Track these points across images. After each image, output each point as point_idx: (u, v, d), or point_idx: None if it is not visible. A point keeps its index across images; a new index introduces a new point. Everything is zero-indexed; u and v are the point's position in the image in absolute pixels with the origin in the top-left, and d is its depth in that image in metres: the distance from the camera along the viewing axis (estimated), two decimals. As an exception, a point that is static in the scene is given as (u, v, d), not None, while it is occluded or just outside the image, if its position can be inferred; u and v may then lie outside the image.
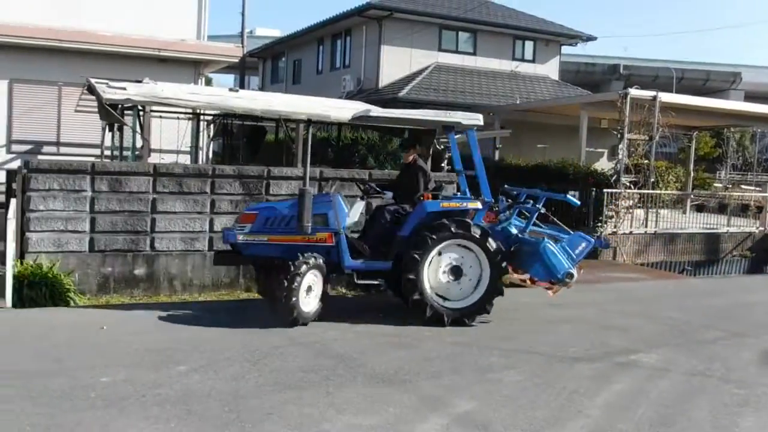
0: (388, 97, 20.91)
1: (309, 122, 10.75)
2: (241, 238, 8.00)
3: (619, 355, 7.29)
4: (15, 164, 15.85)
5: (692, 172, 22.29)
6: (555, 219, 10.40)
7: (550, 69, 26.52)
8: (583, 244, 8.62)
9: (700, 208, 19.13)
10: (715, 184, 25.11)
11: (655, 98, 15.43)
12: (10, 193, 10.36)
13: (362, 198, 8.97)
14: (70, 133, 16.69)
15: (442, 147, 15.22)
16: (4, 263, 9.59)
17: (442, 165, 15.03)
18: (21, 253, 9.66)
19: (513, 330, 8.23)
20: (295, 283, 7.41)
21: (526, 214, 9.23)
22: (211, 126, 16.87)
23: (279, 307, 7.55)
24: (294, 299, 7.44)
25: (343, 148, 14.97)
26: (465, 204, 8.47)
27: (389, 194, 8.88)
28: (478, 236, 8.12)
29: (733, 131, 26.51)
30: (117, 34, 15.98)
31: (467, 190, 8.75)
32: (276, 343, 7.00)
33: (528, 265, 8.52)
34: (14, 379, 5.65)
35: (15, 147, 16.41)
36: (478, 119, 9.05)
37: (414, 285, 7.93)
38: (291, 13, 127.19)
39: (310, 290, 7.73)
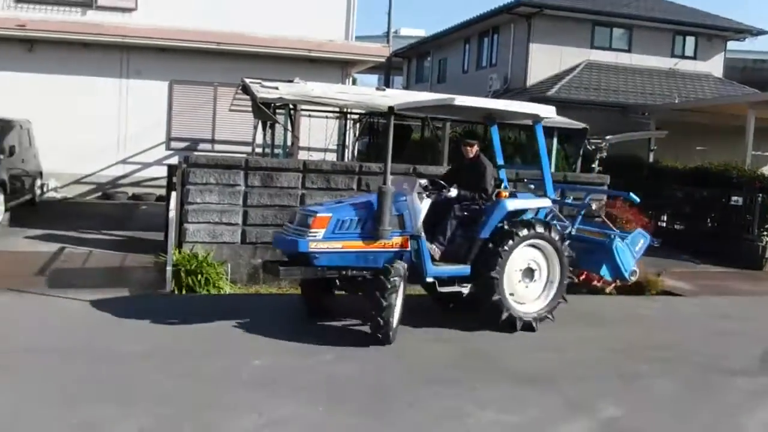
0: (536, 96, 20.34)
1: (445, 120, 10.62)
2: (313, 246, 6.79)
3: None
4: (173, 160, 16.92)
5: None
6: (604, 218, 9.86)
7: (713, 66, 24.81)
8: (642, 241, 8.52)
9: None
10: None
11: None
12: (170, 186, 10.96)
13: (428, 195, 7.71)
14: (224, 131, 17.60)
15: (593, 147, 14.63)
16: (165, 252, 10.19)
17: (593, 165, 14.42)
18: (179, 243, 10.21)
19: (665, 338, 7.80)
20: (393, 300, 6.61)
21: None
22: (357, 125, 17.14)
23: (374, 327, 6.64)
24: (391, 319, 6.63)
25: (489, 146, 14.69)
26: (538, 202, 8.05)
27: (454, 191, 7.79)
28: (556, 237, 7.70)
29: None
30: (270, 36, 16.62)
31: (507, 184, 8.75)
32: (421, 337, 7.07)
33: (595, 265, 8.33)
34: (183, 358, 6.10)
35: (173, 144, 17.53)
36: (552, 112, 8.51)
37: (495, 285, 7.26)
38: (435, 13, 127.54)
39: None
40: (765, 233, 13.44)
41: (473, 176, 7.83)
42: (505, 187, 8.33)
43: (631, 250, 8.29)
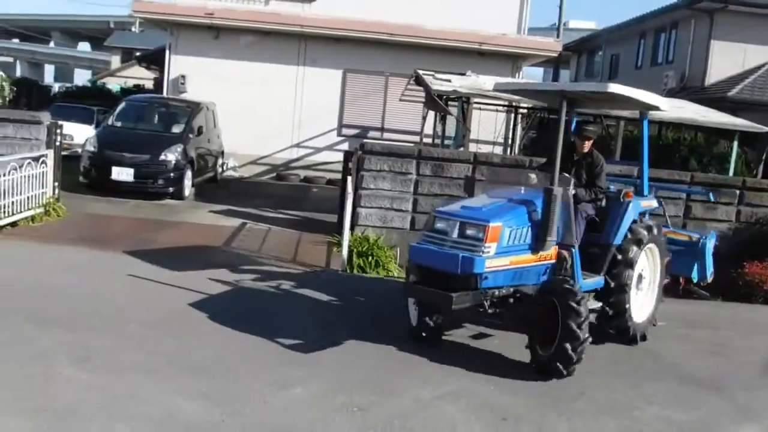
0: (714, 96, 19.34)
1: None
2: (488, 264, 5.61)
3: None
4: (344, 146, 17.67)
5: None
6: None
7: None
8: (713, 240, 8.25)
9: None
10: None
11: None
12: (346, 171, 11.57)
13: None
14: (393, 120, 18.15)
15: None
16: (338, 233, 10.81)
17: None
18: (351, 226, 10.77)
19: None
20: (587, 331, 5.64)
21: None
22: (525, 119, 17.11)
23: (564, 360, 5.57)
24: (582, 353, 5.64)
25: (663, 147, 14.25)
26: (653, 202, 7.49)
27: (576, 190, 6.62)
28: (663, 239, 7.18)
29: None
30: (441, 28, 16.93)
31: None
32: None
33: (685, 266, 7.92)
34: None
35: (344, 131, 18.33)
36: (661, 102, 7.08)
37: (628, 300, 6.56)
38: (607, 5, 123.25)
39: None
40: None
41: (589, 172, 6.83)
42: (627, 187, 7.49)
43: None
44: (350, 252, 9.65)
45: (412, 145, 13.29)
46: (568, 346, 5.41)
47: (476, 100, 12.47)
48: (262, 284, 8.04)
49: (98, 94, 27.00)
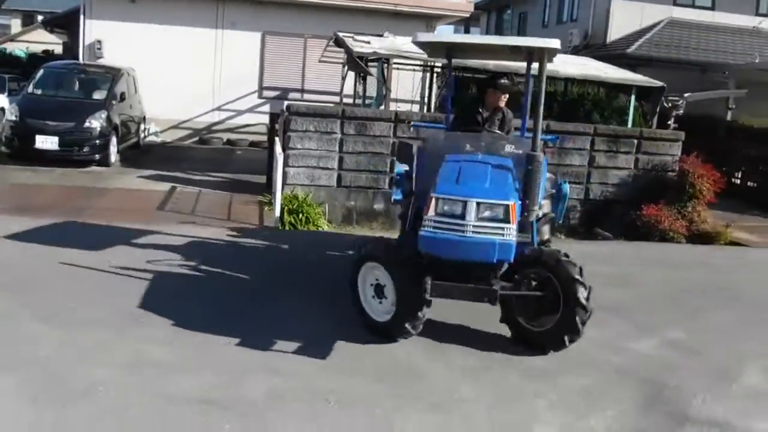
0: (615, 53, 20.51)
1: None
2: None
3: None
4: (266, 108, 17.94)
5: None
6: None
7: (799, 25, 24.32)
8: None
9: None
10: None
11: None
12: (273, 132, 11.97)
13: None
14: (313, 81, 18.50)
15: (670, 105, 14.94)
16: (268, 193, 11.27)
17: (669, 123, 14.75)
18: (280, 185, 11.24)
19: (728, 281, 8.50)
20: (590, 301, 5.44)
21: None
22: (440, 78, 17.76)
23: (572, 332, 5.32)
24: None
25: (569, 102, 15.18)
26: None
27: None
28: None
29: None
30: (356, -11, 17.32)
31: None
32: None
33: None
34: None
35: (265, 93, 18.56)
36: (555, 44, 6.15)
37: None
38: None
39: None
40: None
41: (500, 128, 6.48)
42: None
43: None
44: (282, 210, 10.15)
45: (333, 105, 13.76)
46: (578, 319, 5.22)
47: (395, 60, 13.00)
48: (205, 241, 8.45)
49: (3, 61, 26.05)
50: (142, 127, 16.37)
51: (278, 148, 10.47)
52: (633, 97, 13.92)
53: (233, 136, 18.09)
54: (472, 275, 5.12)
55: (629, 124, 13.65)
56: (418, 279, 5.06)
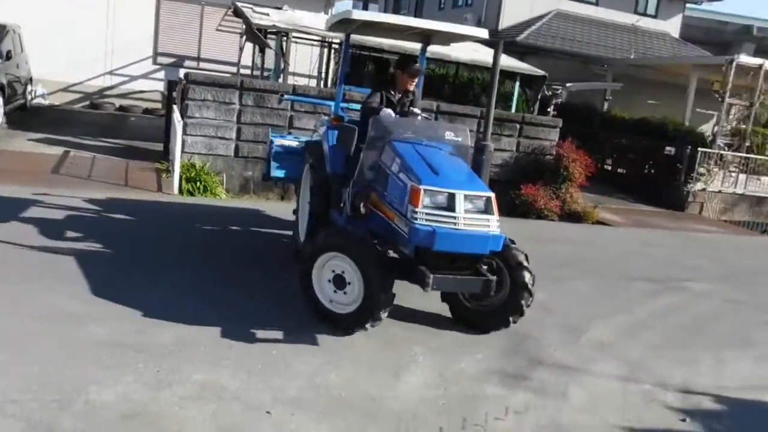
0: (506, 40, 21.50)
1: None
2: None
3: (674, 281, 8.60)
4: (160, 75, 17.77)
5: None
6: None
7: (672, 26, 26.25)
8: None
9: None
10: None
11: (760, 66, 15.64)
12: (170, 100, 12.04)
13: None
14: (210, 50, 18.40)
15: (551, 93, 16.02)
16: (165, 160, 11.39)
17: (548, 110, 15.81)
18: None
19: (591, 255, 9.51)
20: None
21: None
22: (337, 54, 18.16)
23: (517, 312, 5.60)
24: None
25: (460, 86, 16.01)
26: None
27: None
28: None
29: None
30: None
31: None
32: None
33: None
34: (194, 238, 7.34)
35: (160, 59, 18.31)
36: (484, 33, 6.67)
37: None
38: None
39: None
40: (690, 180, 15.22)
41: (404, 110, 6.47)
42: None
43: None
44: (180, 178, 10.33)
45: (231, 75, 13.92)
46: (523, 301, 5.48)
47: (294, 34, 13.31)
48: (105, 204, 8.57)
49: None
50: (29, 88, 15.83)
51: (177, 116, 10.60)
52: (518, 84, 14.87)
53: (126, 102, 17.80)
54: (456, 265, 5.16)
55: (513, 109, 14.61)
56: (387, 272, 5.11)
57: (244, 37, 15.63)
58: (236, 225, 8.58)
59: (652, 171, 16.44)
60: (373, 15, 6.69)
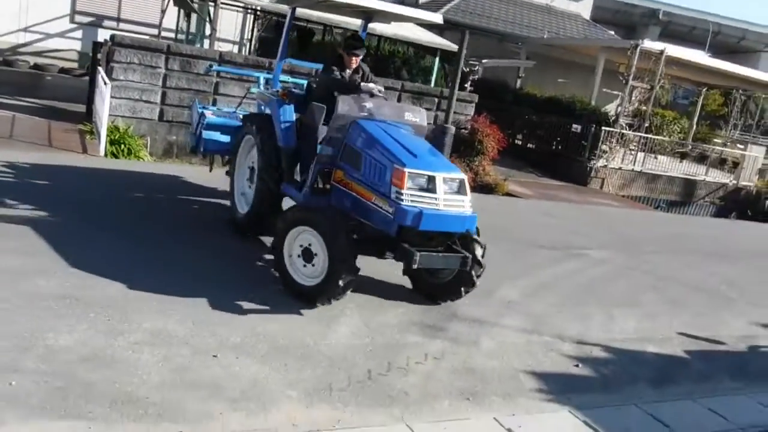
0: (424, 15, 22.02)
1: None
2: None
3: (575, 249, 9.46)
4: (77, 34, 17.44)
5: (695, 126, 23.57)
6: None
7: (584, 7, 27.42)
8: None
9: (683, 156, 20.59)
10: (715, 140, 26.32)
11: (662, 52, 16.81)
12: (95, 62, 12.00)
13: None
14: (131, 11, 18.16)
15: (468, 69, 16.69)
16: (88, 122, 11.41)
17: (466, 85, 16.49)
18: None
19: (500, 224, 10.17)
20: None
21: None
22: (261, 21, 18.25)
23: (468, 286, 6.03)
24: None
25: (381, 59, 16.44)
26: None
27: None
28: None
29: (740, 93, 27.50)
30: None
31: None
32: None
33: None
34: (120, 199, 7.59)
35: (78, 18, 17.95)
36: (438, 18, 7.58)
37: None
38: None
39: None
40: (593, 157, 16.31)
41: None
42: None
43: None
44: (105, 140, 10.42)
45: (153, 38, 13.86)
46: (474, 273, 5.83)
47: (222, 0, 13.42)
48: (29, 166, 8.62)
49: None
50: (-63, 41, 15.34)
51: (104, 78, 10.64)
52: (437, 59, 15.46)
53: (42, 60, 17.38)
54: (431, 243, 5.55)
55: (432, 84, 15.20)
56: (351, 244, 5.36)
57: (168, 0, 15.55)
58: (164, 188, 8.82)
59: (560, 147, 17.45)
60: None
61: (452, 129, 5.32)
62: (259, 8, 14.54)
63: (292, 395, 4.22)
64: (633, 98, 17.36)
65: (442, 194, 5.43)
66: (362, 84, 6.21)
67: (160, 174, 9.71)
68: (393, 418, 4.26)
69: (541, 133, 18.00)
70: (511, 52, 22.77)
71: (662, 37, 29.27)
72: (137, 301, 5.05)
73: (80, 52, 17.72)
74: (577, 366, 5.58)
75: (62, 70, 17.15)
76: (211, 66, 10.66)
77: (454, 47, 14.85)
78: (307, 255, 5.56)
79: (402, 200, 5.27)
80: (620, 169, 16.93)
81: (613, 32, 29.15)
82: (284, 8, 13.73)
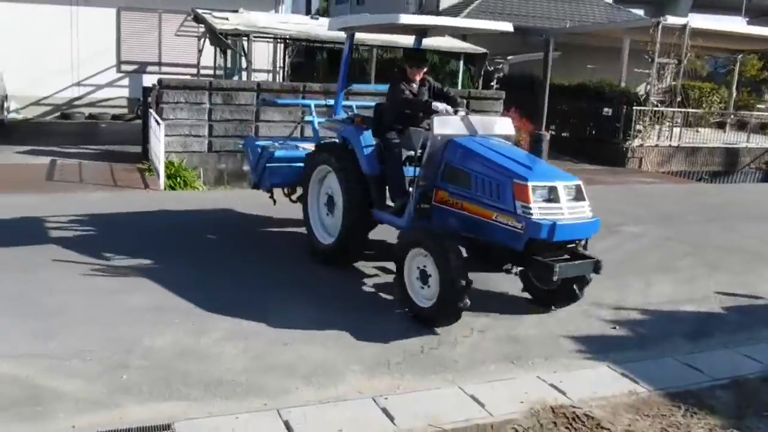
0: (447, 21, 22.63)
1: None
2: None
3: (612, 226, 9.63)
4: (125, 82, 18.55)
5: (734, 93, 23.56)
6: None
7: (607, -9, 27.59)
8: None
9: (720, 126, 20.67)
10: (758, 106, 26.15)
11: (685, 26, 17.06)
12: (146, 105, 12.96)
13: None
14: (170, 54, 19.24)
15: (492, 68, 17.26)
16: (145, 160, 12.34)
17: (492, 84, 17.05)
18: (146, 152, 12.24)
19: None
20: None
21: None
22: (290, 48, 19.13)
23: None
24: None
25: (380, 68, 17.11)
26: None
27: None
28: None
29: (780, 55, 27.18)
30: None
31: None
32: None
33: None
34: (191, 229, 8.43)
35: (123, 67, 19.11)
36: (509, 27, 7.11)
37: None
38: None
39: None
40: (628, 138, 16.64)
41: (438, 95, 6.74)
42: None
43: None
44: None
45: (195, 77, 14.83)
46: (576, 287, 6.00)
47: (254, 35, 14.29)
48: (101, 203, 9.50)
49: None
50: (4, 105, 16.56)
51: (156, 118, 11.54)
52: (462, 62, 16.06)
53: (95, 110, 18.56)
54: (558, 252, 5.59)
55: (459, 86, 15.79)
56: (460, 265, 5.41)
57: (203, 39, 16.52)
58: (224, 214, 9.60)
59: (593, 132, 17.82)
60: (421, 18, 7.22)
61: (547, 135, 5.12)
62: (287, 37, 15.35)
63: (356, 369, 4.88)
64: (662, 75, 17.62)
65: (566, 203, 5.48)
66: (433, 104, 6.20)
67: (216, 201, 10.50)
68: (446, 381, 4.86)
69: (574, 121, 18.39)
70: (537, 45, 23.11)
71: (695, 8, 29.10)
72: (211, 308, 5.77)
73: (129, 99, 18.85)
74: (614, 328, 6.06)
75: (114, 117, 18.30)
76: (262, 100, 10.48)
77: (477, 49, 15.44)
78: (424, 277, 5.67)
79: (531, 214, 5.29)
80: (657, 146, 17.20)
81: (641, 11, 29.22)
82: (312, 33, 14.57)
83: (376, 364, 5.00)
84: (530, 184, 5.34)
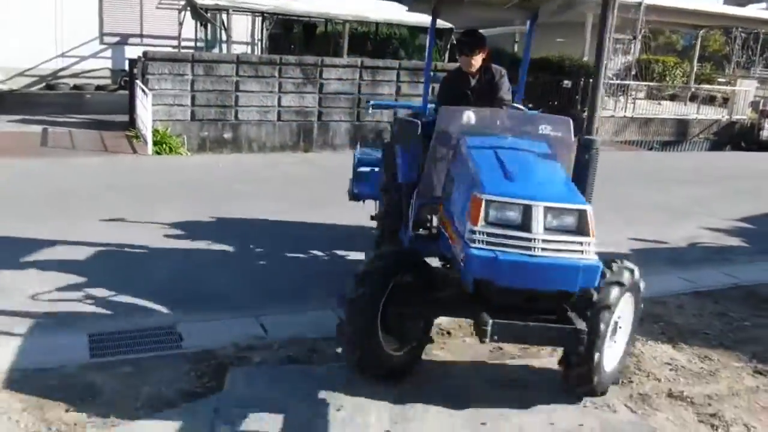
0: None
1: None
2: None
3: None
4: (107, 54, 19.34)
5: (695, 68, 24.73)
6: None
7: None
8: None
9: (672, 98, 21.86)
10: (719, 79, 27.36)
11: (640, 3, 18.14)
12: (132, 77, 13.84)
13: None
14: (151, 27, 20.01)
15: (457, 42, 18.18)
16: (132, 128, 13.27)
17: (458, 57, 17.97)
18: (133, 121, 13.13)
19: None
20: None
21: None
22: (268, 21, 19.97)
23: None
24: None
25: (380, 42, 18.05)
26: None
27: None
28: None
29: (740, 31, 28.36)
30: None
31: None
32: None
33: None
34: (184, 186, 9.37)
35: (106, 39, 19.90)
36: None
37: None
38: None
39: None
40: (585, 109, 17.68)
41: (492, 91, 5.29)
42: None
43: None
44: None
45: (174, 49, 15.62)
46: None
47: (233, 8, 15.13)
48: (99, 166, 10.45)
49: None
50: (-10, 75, 17.32)
51: (143, 89, 12.45)
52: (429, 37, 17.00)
53: (79, 81, 19.35)
54: (536, 305, 3.79)
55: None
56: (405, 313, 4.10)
57: (183, 12, 17.30)
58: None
59: (555, 103, 18.89)
60: None
61: (598, 141, 4.26)
62: (265, 11, 16.16)
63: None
64: (619, 50, 18.72)
65: (541, 232, 3.65)
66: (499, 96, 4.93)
67: (197, 162, 11.49)
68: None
69: (538, 92, 19.43)
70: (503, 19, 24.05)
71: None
72: (278, 256, 6.82)
73: (112, 70, 19.67)
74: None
75: (98, 88, 19.11)
76: (369, 104, 10.00)
77: (444, 24, 16.34)
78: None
79: (473, 241, 3.65)
80: (612, 116, 18.34)
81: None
82: (288, 8, 15.44)
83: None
84: (485, 197, 3.70)
